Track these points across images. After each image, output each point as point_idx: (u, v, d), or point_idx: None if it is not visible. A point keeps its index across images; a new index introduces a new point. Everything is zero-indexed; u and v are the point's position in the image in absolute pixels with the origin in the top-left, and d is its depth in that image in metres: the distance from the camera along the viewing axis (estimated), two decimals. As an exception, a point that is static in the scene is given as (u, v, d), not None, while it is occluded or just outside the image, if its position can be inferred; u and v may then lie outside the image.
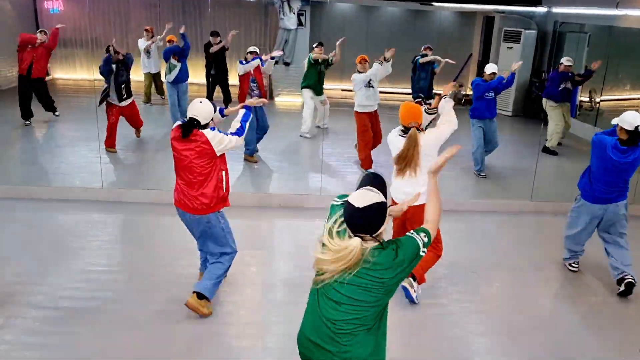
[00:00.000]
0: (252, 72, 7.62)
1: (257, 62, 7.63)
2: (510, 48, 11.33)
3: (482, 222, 6.35)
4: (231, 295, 4.56)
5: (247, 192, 6.79)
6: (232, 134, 4.15)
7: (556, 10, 9.45)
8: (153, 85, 10.99)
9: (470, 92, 11.88)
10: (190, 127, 3.96)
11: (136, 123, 8.44)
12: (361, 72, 7.38)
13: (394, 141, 4.42)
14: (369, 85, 7.41)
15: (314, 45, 9.25)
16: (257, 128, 7.76)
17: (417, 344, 4.11)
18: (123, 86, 7.72)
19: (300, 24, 11.90)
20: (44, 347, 3.81)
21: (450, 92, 4.58)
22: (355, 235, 2.34)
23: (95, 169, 6.87)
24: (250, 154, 7.91)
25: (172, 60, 9.01)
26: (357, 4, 12.56)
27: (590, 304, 4.79)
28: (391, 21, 12.69)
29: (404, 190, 4.31)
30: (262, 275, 5.04)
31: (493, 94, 7.68)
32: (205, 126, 4.04)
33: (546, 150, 8.93)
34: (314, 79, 8.98)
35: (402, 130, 4.36)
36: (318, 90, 9.06)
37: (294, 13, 11.54)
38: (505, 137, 9.82)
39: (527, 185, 6.94)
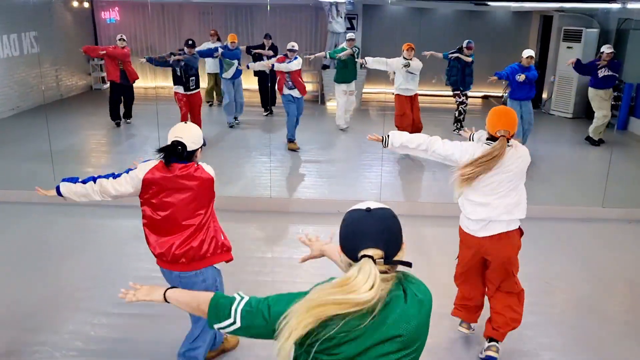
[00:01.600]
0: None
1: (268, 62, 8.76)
2: (570, 48, 10.92)
3: (553, 229, 6.05)
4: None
5: (305, 198, 6.73)
6: None
7: (631, 6, 9.02)
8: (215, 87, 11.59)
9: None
10: (175, 153, 3.09)
11: (196, 115, 8.94)
12: (405, 58, 8.18)
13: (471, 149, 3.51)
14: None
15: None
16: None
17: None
18: (191, 78, 8.64)
19: (351, 27, 11.81)
20: (113, 354, 3.81)
21: None
22: (362, 256, 1.61)
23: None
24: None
25: (229, 59, 9.66)
26: (409, 6, 12.37)
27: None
28: (444, 23, 12.44)
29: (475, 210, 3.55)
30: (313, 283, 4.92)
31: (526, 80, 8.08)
32: (193, 155, 3.20)
33: (589, 139, 9.19)
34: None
35: (488, 139, 3.52)
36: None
37: (342, 17, 11.50)
38: (567, 140, 9.49)
39: (596, 191, 6.61)
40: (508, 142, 3.41)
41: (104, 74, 12.60)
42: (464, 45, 9.40)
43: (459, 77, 9.46)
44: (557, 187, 7.30)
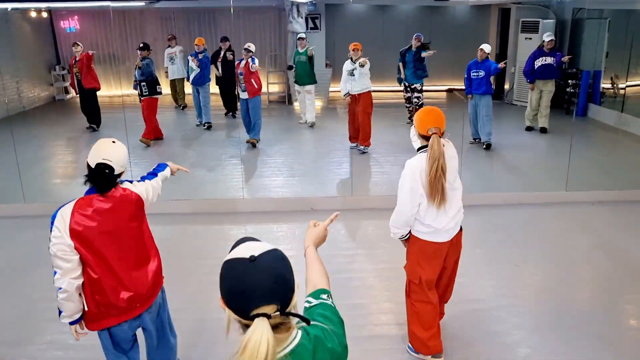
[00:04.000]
0: (241, 67, 8.59)
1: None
2: (529, 39, 11.20)
3: (520, 214, 6.25)
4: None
5: (278, 197, 6.77)
6: (147, 179, 3.14)
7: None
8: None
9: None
10: (106, 179, 2.79)
11: (145, 120, 9.03)
12: (353, 59, 8.15)
13: (415, 164, 3.41)
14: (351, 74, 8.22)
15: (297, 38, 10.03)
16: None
17: (459, 340, 4.02)
18: (142, 84, 8.78)
19: (315, 27, 11.89)
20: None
21: None
22: (255, 316, 1.34)
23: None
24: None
25: (192, 64, 9.80)
26: (371, 4, 12.52)
27: None
28: (405, 19, 12.63)
29: (440, 225, 3.45)
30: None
31: (482, 74, 8.40)
32: (117, 178, 2.87)
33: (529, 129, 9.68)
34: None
35: (420, 148, 3.47)
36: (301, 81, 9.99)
37: (302, 17, 11.56)
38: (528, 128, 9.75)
39: (559, 175, 6.83)
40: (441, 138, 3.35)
41: (67, 84, 12.44)
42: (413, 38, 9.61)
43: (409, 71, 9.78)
44: (521, 174, 7.51)
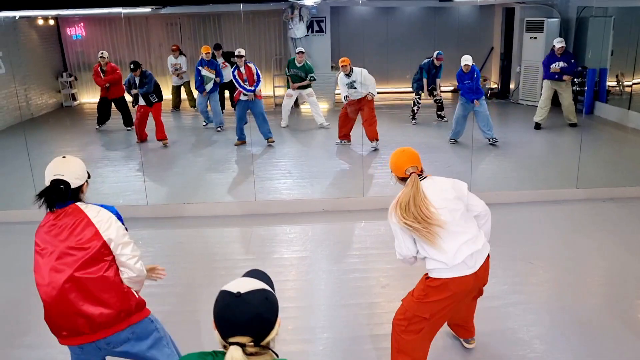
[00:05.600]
0: (243, 72, 8.72)
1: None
2: (534, 38, 11.23)
3: (532, 212, 6.26)
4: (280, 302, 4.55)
5: (289, 199, 6.81)
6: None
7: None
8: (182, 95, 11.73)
9: (494, 85, 11.91)
10: (57, 193, 2.69)
11: (157, 122, 9.23)
12: (347, 75, 8.36)
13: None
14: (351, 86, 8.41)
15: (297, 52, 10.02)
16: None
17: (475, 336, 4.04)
18: (150, 95, 9.01)
19: (320, 30, 11.94)
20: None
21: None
22: (231, 344, 1.59)
23: (137, 187, 6.95)
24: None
25: (207, 73, 9.82)
26: (376, 6, 12.57)
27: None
28: (410, 21, 12.68)
29: (449, 256, 3.11)
30: (308, 279, 5.01)
31: (470, 83, 8.50)
32: (78, 193, 2.81)
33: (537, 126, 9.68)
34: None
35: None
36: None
37: (304, 22, 11.59)
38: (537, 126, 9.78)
39: (569, 173, 6.84)
40: (420, 176, 3.23)
41: (74, 91, 12.55)
42: (435, 56, 9.77)
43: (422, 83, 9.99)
44: (531, 172, 7.52)
